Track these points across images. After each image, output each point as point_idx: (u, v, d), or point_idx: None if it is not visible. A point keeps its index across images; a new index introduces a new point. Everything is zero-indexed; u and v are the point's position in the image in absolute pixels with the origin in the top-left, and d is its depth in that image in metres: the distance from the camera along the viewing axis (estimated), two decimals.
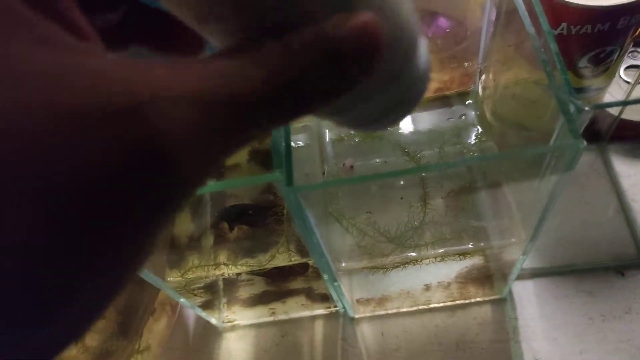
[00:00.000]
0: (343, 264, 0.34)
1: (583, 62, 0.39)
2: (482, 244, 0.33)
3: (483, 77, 0.41)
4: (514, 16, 0.35)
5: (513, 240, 0.32)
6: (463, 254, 0.34)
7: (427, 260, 0.34)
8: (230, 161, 0.44)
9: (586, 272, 0.43)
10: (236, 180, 0.24)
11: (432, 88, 0.47)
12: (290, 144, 0.25)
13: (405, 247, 0.34)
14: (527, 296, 0.43)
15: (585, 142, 0.22)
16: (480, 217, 0.34)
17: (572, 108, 0.23)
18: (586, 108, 0.23)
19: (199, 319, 0.46)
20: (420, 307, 0.43)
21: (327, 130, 0.40)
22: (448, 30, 0.49)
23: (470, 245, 0.33)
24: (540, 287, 0.43)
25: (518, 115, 0.42)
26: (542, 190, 0.29)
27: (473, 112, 0.40)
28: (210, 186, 0.25)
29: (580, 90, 0.44)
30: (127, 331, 0.38)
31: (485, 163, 0.34)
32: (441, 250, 0.33)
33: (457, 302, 0.43)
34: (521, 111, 0.42)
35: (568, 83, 0.24)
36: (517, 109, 0.42)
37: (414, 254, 0.33)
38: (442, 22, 0.50)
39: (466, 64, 0.41)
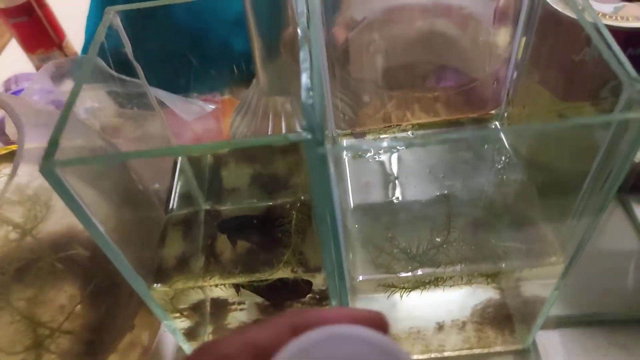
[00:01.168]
0: (360, 277, 0.30)
1: (605, 93, 0.37)
2: (515, 264, 0.30)
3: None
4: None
5: (552, 259, 0.29)
6: (492, 276, 0.30)
7: (451, 281, 0.30)
8: (230, 184, 0.41)
9: (617, 323, 0.39)
10: (256, 139, 0.21)
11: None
12: (324, 105, 0.22)
13: (427, 265, 0.30)
14: (553, 347, 0.38)
15: None
16: (510, 237, 0.31)
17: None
18: None
19: (180, 354, 0.40)
20: (433, 355, 0.38)
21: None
22: (454, 83, 0.48)
23: (502, 265, 0.30)
24: (568, 338, 0.38)
25: (539, 151, 0.40)
26: (589, 199, 0.26)
27: (502, 135, 0.38)
28: (224, 144, 0.21)
29: None
30: (95, 353, 0.32)
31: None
32: (471, 267, 0.29)
33: (475, 351, 0.38)
34: (542, 147, 0.40)
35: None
36: (538, 144, 0.40)
37: (437, 270, 0.30)
38: (451, 74, 0.49)
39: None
